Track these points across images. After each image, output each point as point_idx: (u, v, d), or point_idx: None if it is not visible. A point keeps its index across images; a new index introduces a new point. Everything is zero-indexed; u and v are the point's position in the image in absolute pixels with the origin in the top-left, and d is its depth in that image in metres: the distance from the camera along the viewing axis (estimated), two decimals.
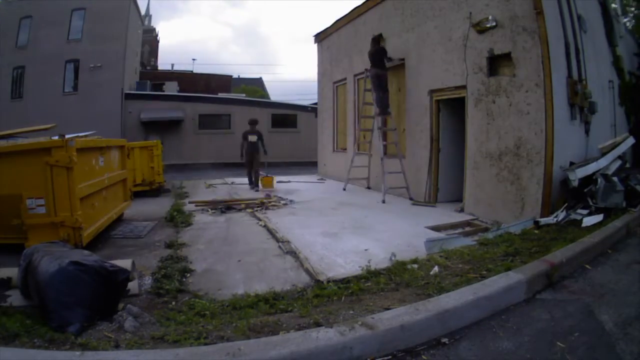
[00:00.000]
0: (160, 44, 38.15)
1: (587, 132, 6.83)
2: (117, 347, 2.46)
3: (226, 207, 7.50)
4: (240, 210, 7.47)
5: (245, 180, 10.75)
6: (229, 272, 4.21)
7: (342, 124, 12.15)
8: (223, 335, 2.58)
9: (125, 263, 3.70)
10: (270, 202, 7.81)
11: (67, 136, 4.53)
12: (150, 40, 35.75)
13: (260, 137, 10.17)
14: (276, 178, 10.82)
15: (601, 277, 3.68)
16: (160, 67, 35.29)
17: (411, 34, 8.26)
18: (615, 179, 5.52)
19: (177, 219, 6.61)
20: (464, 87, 6.84)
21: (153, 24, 42.25)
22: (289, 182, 11.64)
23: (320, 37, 13.38)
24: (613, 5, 10.24)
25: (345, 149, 11.63)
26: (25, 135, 6.49)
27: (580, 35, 6.81)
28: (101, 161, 5.53)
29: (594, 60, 7.44)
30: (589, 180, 5.59)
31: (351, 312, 2.88)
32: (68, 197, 4.34)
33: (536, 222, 5.22)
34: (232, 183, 11.72)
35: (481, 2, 6.42)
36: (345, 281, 3.69)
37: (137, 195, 8.76)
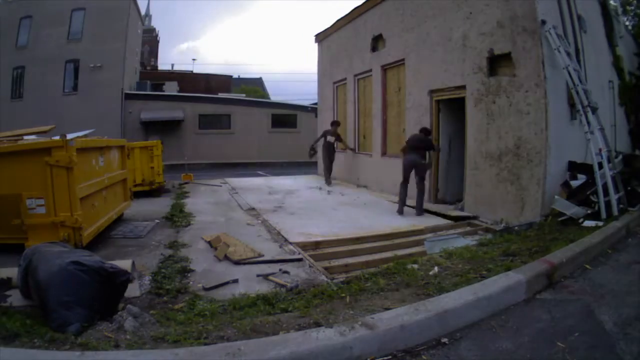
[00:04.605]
0: (160, 44, 38.05)
1: None
2: (117, 347, 2.46)
3: None
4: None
5: (246, 180, 10.72)
6: (229, 272, 4.21)
7: (342, 124, 12.11)
8: (223, 335, 2.58)
9: (125, 263, 3.70)
10: None
11: (67, 136, 4.52)
12: (150, 40, 35.75)
13: (338, 139, 10.99)
14: (273, 178, 10.65)
15: (601, 277, 3.68)
16: (160, 67, 35.31)
17: (411, 34, 8.25)
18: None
19: (177, 219, 6.60)
20: (463, 87, 6.83)
21: (153, 23, 42.10)
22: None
23: (320, 37, 13.37)
24: (612, 3, 10.22)
25: (345, 150, 11.60)
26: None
27: (580, 35, 6.81)
28: (101, 161, 5.52)
29: (594, 60, 7.43)
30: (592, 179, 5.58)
31: (351, 312, 2.88)
32: (68, 197, 4.33)
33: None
34: (233, 187, 11.70)
35: (481, 2, 6.41)
36: (345, 281, 3.70)
37: (137, 195, 8.74)
